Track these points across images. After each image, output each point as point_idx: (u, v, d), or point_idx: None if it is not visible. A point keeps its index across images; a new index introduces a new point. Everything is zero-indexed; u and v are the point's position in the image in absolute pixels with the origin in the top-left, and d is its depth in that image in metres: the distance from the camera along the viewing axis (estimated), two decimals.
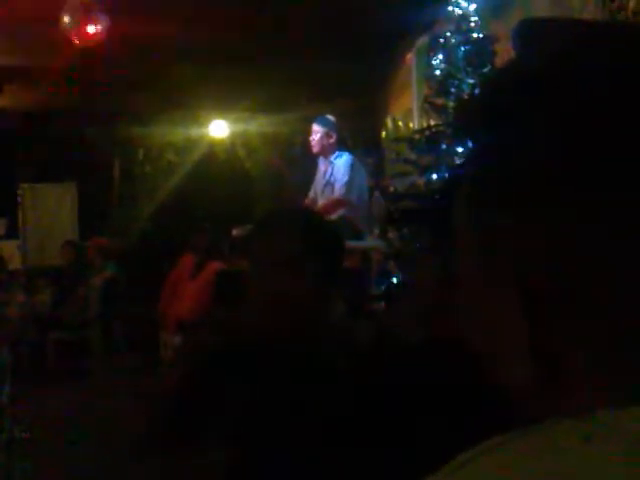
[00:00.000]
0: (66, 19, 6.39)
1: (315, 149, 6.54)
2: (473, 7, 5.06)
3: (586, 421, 0.55)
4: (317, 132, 6.48)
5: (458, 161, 4.52)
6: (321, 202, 6.38)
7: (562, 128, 0.58)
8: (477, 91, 0.75)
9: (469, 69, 4.87)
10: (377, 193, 6.89)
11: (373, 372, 1.66)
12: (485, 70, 4.70)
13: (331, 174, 6.46)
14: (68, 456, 5.31)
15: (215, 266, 7.09)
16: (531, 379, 0.61)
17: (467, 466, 0.56)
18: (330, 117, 6.56)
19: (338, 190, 6.31)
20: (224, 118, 10.33)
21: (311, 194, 6.69)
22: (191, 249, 7.98)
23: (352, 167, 6.36)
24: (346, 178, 6.29)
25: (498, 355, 0.63)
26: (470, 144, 0.68)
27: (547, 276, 0.58)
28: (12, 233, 10.57)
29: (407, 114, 8.05)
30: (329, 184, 6.45)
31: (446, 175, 4.59)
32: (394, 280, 4.87)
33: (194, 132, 10.51)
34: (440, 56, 5.05)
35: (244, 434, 1.84)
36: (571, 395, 0.59)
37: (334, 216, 5.88)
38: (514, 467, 0.54)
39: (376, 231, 6.29)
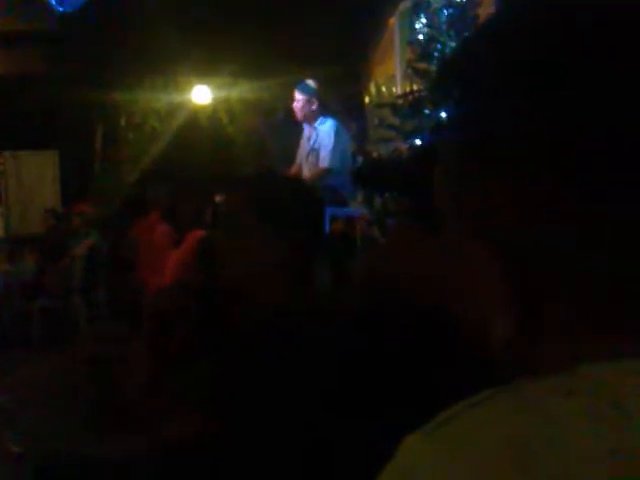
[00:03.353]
0: None
1: (298, 116, 6.53)
2: None
3: (568, 376, 0.55)
4: (299, 100, 6.46)
5: (437, 126, 4.52)
6: (307, 172, 6.37)
7: (538, 89, 0.58)
8: (454, 54, 0.75)
9: (452, 33, 4.86)
10: (360, 159, 6.88)
11: (358, 340, 1.66)
12: (467, 34, 4.69)
13: (315, 140, 6.44)
14: (52, 423, 5.32)
15: (197, 234, 7.05)
16: (513, 335, 0.61)
17: (450, 423, 0.56)
18: (311, 83, 6.53)
19: (323, 158, 6.30)
20: (206, 83, 10.27)
21: (297, 160, 6.69)
22: (173, 216, 7.94)
23: (336, 133, 6.35)
24: (331, 145, 6.28)
25: (479, 312, 0.63)
26: (450, 109, 0.68)
27: (527, 233, 0.59)
28: None
29: (390, 79, 8.03)
30: (313, 150, 6.44)
31: (427, 140, 4.59)
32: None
33: (176, 98, 10.44)
34: (423, 20, 5.03)
35: (227, 407, 1.84)
36: (553, 351, 0.59)
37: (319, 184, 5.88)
38: (497, 422, 0.54)
39: (360, 197, 6.29)
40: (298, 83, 6.56)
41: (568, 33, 0.59)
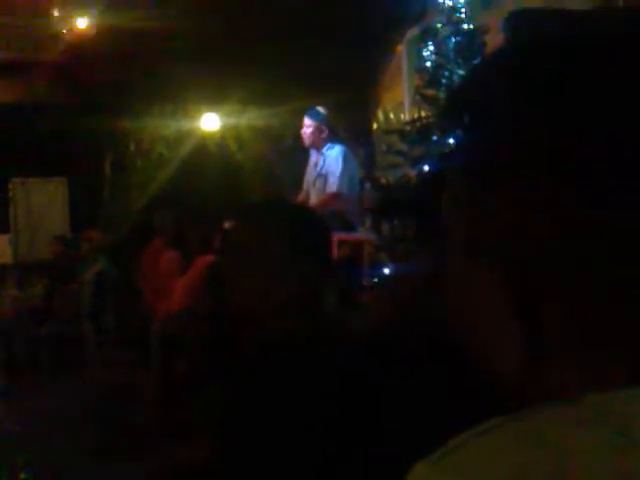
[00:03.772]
0: (56, 13, 6.37)
1: (307, 142, 6.55)
2: None
3: (578, 405, 0.55)
4: (309, 126, 6.48)
5: (445, 153, 4.54)
6: (316, 197, 6.38)
7: (547, 119, 0.59)
8: (464, 82, 0.76)
9: (460, 60, 4.89)
10: (368, 185, 6.89)
11: (366, 366, 1.66)
12: (475, 61, 4.71)
13: (323, 166, 6.46)
14: (61, 449, 5.31)
15: (205, 260, 7.06)
16: (519, 363, 0.61)
17: (457, 451, 0.56)
18: (321, 109, 6.56)
19: (331, 183, 6.31)
20: (215, 111, 10.32)
21: (304, 186, 6.70)
22: (180, 242, 7.96)
23: (344, 159, 6.37)
24: (339, 171, 6.29)
25: (485, 341, 0.64)
26: (459, 136, 0.68)
27: (535, 263, 0.59)
28: (3, 228, 10.55)
29: (398, 106, 8.06)
30: (321, 176, 6.45)
31: (435, 167, 4.60)
32: (386, 271, 4.88)
33: (185, 125, 10.48)
34: (431, 47, 5.07)
35: (234, 433, 1.84)
36: (558, 379, 0.59)
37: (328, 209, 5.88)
38: (505, 452, 0.54)
39: (367, 223, 6.30)
40: (308, 109, 6.58)
41: (570, 51, 0.60)
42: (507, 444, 0.55)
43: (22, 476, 4.25)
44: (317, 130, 6.43)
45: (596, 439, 0.53)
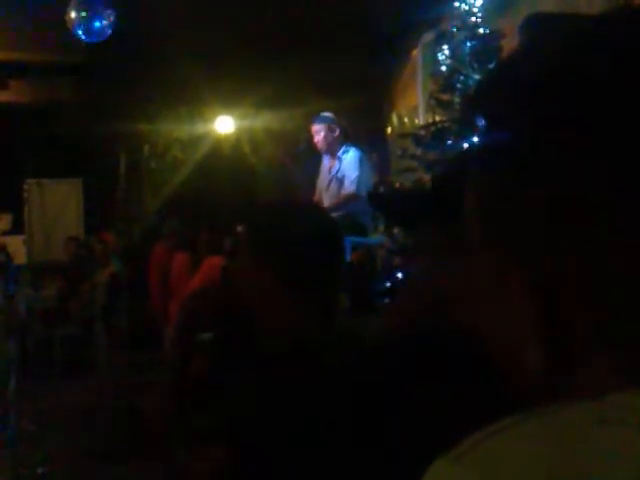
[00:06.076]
0: (72, 14, 6.40)
1: (321, 147, 6.53)
2: (479, 3, 5.06)
3: (600, 403, 0.55)
4: (319, 130, 6.48)
5: (461, 155, 4.51)
6: (329, 200, 6.37)
7: (564, 121, 0.59)
8: (479, 86, 0.75)
9: (475, 65, 4.87)
10: (382, 189, 6.88)
11: (378, 369, 1.66)
12: (491, 66, 4.70)
13: (338, 169, 6.45)
14: (74, 449, 5.33)
15: (213, 261, 7.06)
16: (542, 364, 0.61)
17: (477, 447, 0.56)
18: (327, 114, 6.57)
19: (349, 185, 6.31)
20: (230, 114, 10.34)
21: (317, 191, 6.70)
22: (190, 244, 7.99)
23: (360, 162, 6.37)
24: (356, 173, 6.29)
25: (508, 342, 0.63)
26: (476, 139, 0.68)
27: (558, 263, 0.59)
28: (18, 228, 10.59)
29: (413, 110, 8.05)
30: (336, 180, 6.45)
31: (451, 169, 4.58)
32: (399, 276, 4.87)
33: (200, 128, 10.51)
34: (446, 51, 5.05)
35: (243, 434, 1.84)
36: (583, 378, 0.59)
37: (342, 212, 5.88)
38: (526, 449, 0.54)
39: (381, 227, 6.29)
40: (315, 117, 6.59)
41: (584, 54, 0.60)
42: (528, 441, 0.55)
43: (39, 471, 4.47)
44: (329, 131, 6.43)
45: (618, 437, 0.53)
